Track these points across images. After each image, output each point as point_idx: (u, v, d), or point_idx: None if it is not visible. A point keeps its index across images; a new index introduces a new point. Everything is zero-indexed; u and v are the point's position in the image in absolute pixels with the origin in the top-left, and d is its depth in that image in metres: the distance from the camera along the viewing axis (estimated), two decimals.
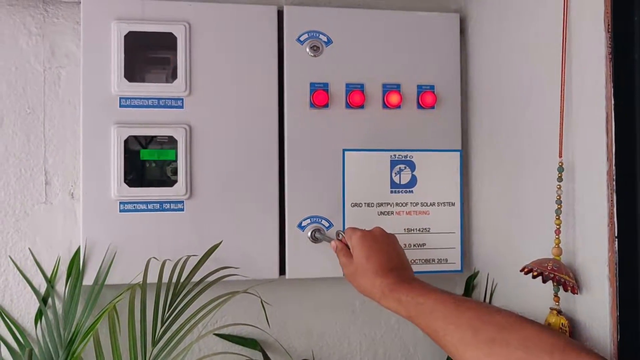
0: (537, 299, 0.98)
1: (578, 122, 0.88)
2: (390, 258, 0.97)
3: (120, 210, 1.12)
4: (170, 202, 1.13)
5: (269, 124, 1.17)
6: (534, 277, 0.87)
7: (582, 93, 0.87)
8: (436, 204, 1.23)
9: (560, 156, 0.90)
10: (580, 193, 0.87)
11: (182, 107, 1.14)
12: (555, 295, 0.89)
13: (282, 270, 1.17)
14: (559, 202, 0.89)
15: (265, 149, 1.17)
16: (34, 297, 1.14)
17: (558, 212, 0.89)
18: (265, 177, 1.17)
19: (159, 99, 1.13)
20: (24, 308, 1.15)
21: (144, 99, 1.13)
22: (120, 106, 1.12)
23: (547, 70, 0.96)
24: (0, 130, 1.14)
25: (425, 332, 0.85)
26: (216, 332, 1.20)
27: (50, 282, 1.14)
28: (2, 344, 1.12)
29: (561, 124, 0.90)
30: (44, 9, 1.17)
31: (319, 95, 1.18)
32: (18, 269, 1.14)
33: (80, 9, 1.12)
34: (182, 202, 1.13)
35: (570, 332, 0.86)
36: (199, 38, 1.15)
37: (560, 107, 0.90)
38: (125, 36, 1.12)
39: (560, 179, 0.89)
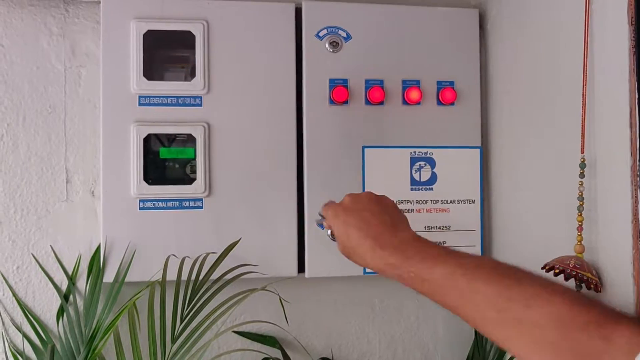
0: None
1: (601, 117, 0.86)
2: (370, 225, 0.81)
3: (140, 208, 1.12)
4: (189, 200, 1.14)
5: (287, 121, 1.17)
6: (556, 274, 0.85)
7: (605, 87, 0.85)
8: (456, 202, 1.21)
9: (583, 152, 0.88)
10: (603, 189, 0.86)
11: (200, 105, 1.14)
12: None
13: (300, 268, 1.17)
14: (581, 198, 0.88)
15: (283, 146, 1.17)
16: (56, 294, 1.15)
17: (580, 208, 0.88)
18: (283, 175, 1.16)
19: (177, 97, 1.14)
20: (46, 305, 1.16)
21: (162, 97, 1.13)
22: (140, 104, 1.13)
23: (568, 65, 0.94)
24: (22, 130, 1.16)
25: (442, 306, 0.74)
26: (235, 329, 1.20)
27: (72, 279, 1.15)
28: (25, 339, 1.13)
29: (583, 119, 0.88)
30: (64, 9, 1.18)
31: (339, 91, 1.17)
32: (40, 266, 1.15)
33: (100, 8, 1.13)
34: (201, 199, 1.14)
35: None
36: (217, 36, 1.15)
37: (583, 101, 0.88)
38: (144, 35, 1.13)
39: (582, 175, 0.88)
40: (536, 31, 1.06)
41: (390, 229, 0.80)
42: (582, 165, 0.88)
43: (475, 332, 1.23)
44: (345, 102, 1.18)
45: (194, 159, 1.13)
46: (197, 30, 1.14)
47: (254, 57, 1.16)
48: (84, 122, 1.18)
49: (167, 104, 1.14)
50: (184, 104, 1.14)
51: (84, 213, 1.18)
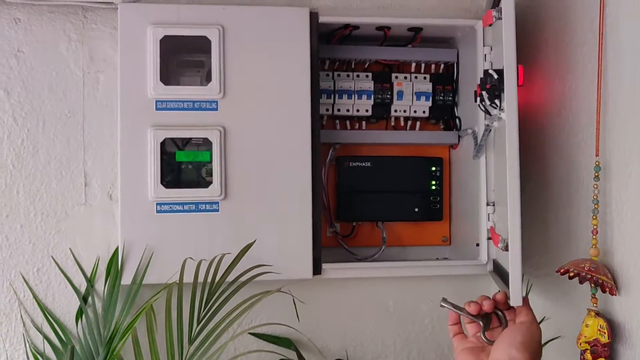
0: (573, 300, 0.96)
1: (616, 120, 0.86)
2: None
3: (157, 211, 1.13)
4: (205, 203, 1.14)
5: (301, 124, 1.17)
6: (571, 278, 0.85)
7: (620, 90, 0.85)
8: None
9: (597, 154, 0.88)
10: (618, 192, 0.85)
11: (216, 109, 1.15)
12: (593, 297, 0.87)
13: (315, 270, 1.17)
14: (595, 201, 0.88)
15: (298, 148, 1.17)
16: (75, 296, 1.17)
17: (595, 211, 0.88)
18: (298, 177, 1.17)
19: (194, 101, 1.15)
20: (65, 306, 1.18)
21: (179, 101, 1.14)
22: (157, 109, 1.14)
23: (583, 67, 0.94)
24: (42, 134, 1.18)
25: None
26: (251, 331, 1.21)
27: (90, 281, 1.17)
28: (45, 341, 1.15)
29: (598, 121, 0.88)
30: (83, 15, 1.20)
31: None
32: (59, 268, 1.17)
33: (117, 14, 1.14)
34: (217, 202, 1.14)
35: (609, 334, 0.84)
36: (232, 41, 1.16)
37: (597, 104, 0.88)
38: (161, 40, 1.14)
39: (597, 178, 0.88)
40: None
41: None
42: (597, 168, 0.88)
43: None
44: None
45: (210, 162, 1.14)
46: (212, 35, 1.15)
47: (268, 61, 1.17)
48: (101, 127, 1.20)
49: (183, 109, 1.14)
50: (200, 108, 1.15)
51: (102, 216, 1.19)
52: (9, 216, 1.17)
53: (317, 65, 1.18)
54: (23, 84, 1.18)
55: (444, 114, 1.30)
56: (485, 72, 0.96)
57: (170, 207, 1.14)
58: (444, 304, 0.84)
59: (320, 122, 1.22)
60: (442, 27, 1.23)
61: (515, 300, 0.81)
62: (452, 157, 1.33)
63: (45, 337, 1.15)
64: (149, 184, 1.12)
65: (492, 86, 0.95)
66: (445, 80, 1.29)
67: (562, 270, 0.87)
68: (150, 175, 1.12)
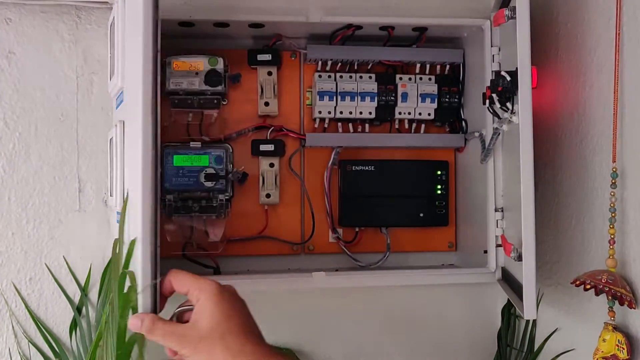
0: (587, 311, 0.92)
1: (634, 124, 0.82)
2: (252, 323, 0.78)
3: None
4: None
5: None
6: (586, 290, 0.81)
7: (638, 92, 0.81)
8: None
9: (614, 160, 0.84)
10: (636, 200, 0.82)
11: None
12: (610, 310, 0.83)
13: None
14: (612, 210, 0.84)
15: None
16: (69, 306, 1.13)
17: (612, 220, 0.84)
18: None
19: None
20: (59, 317, 1.14)
21: None
22: None
23: (598, 68, 0.90)
24: (34, 138, 1.14)
25: None
26: None
27: (84, 290, 1.13)
28: (38, 353, 1.11)
29: (615, 126, 0.84)
30: (76, 15, 1.16)
31: None
32: (53, 277, 1.13)
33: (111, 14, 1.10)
34: None
35: (628, 350, 0.80)
36: None
37: (614, 107, 0.84)
38: None
39: (614, 185, 0.84)
40: None
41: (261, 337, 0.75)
42: (614, 175, 0.84)
43: (498, 342, 1.20)
44: None
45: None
46: None
47: None
48: (96, 130, 1.16)
49: None
50: None
51: (97, 223, 1.16)
52: None
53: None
54: (14, 86, 1.14)
55: (449, 117, 1.26)
56: (497, 73, 0.92)
57: None
58: None
59: None
60: (448, 27, 1.19)
61: (529, 314, 0.78)
62: (457, 160, 1.29)
63: (39, 350, 1.11)
64: None
65: (504, 88, 0.91)
66: (451, 82, 1.25)
67: (577, 282, 0.83)
68: None
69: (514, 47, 0.92)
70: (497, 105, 0.96)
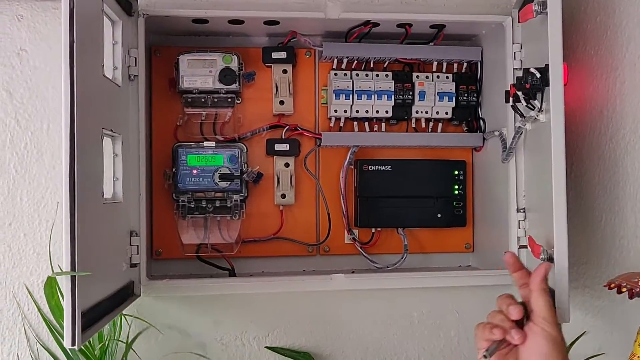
0: (617, 314, 0.90)
1: None
2: None
3: None
4: None
5: None
6: (620, 293, 0.79)
7: None
8: None
9: None
10: None
11: None
12: None
13: None
14: None
15: None
16: None
17: None
18: None
19: None
20: None
21: None
22: None
23: (630, 64, 0.88)
24: (47, 137, 1.12)
25: None
26: (267, 345, 1.16)
27: None
28: (51, 357, 1.09)
29: None
30: None
31: None
32: None
33: None
34: None
35: None
36: None
37: None
38: None
39: None
40: None
41: None
42: None
43: None
44: None
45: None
46: None
47: None
48: None
49: None
50: None
51: None
52: (12, 224, 1.11)
53: None
54: (26, 84, 1.11)
55: (467, 115, 1.24)
56: (526, 70, 0.89)
57: None
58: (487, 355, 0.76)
59: None
60: (467, 23, 1.17)
61: (563, 317, 0.75)
62: (475, 160, 1.27)
63: (51, 354, 1.09)
64: None
65: (532, 86, 0.89)
66: (468, 80, 1.23)
67: (612, 285, 0.81)
68: None
69: (540, 44, 0.90)
70: (523, 103, 0.94)
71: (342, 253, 1.21)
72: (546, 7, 0.85)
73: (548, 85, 0.86)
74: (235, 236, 1.15)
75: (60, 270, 1.09)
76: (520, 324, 0.75)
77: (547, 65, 0.85)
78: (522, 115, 1.00)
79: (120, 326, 1.06)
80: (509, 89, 1.04)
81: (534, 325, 0.74)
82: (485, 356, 0.75)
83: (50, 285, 0.93)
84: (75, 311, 0.74)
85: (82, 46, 0.79)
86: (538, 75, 0.86)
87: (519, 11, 1.00)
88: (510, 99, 1.00)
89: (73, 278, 0.73)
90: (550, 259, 0.82)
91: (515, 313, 0.74)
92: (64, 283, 0.74)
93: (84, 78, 0.80)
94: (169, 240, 1.15)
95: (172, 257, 1.15)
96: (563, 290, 0.78)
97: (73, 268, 0.73)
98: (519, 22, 0.99)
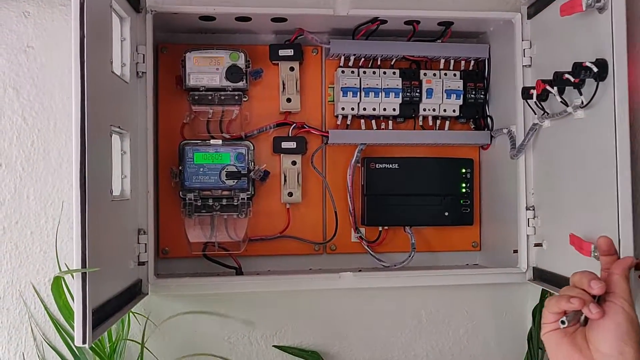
0: None
1: None
2: None
3: None
4: None
5: None
6: None
7: None
8: None
9: None
10: None
11: None
12: None
13: None
14: None
15: None
16: None
17: None
18: None
19: None
20: None
21: None
22: None
23: None
24: (54, 135, 1.11)
25: None
26: (275, 343, 1.15)
27: None
28: (58, 356, 1.08)
29: None
30: None
31: None
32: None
33: None
34: None
35: None
36: None
37: None
38: None
39: None
40: None
41: None
42: None
43: (529, 342, 1.17)
44: None
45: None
46: None
47: None
48: None
49: None
50: None
51: None
52: (18, 222, 1.10)
53: None
54: (33, 81, 1.11)
55: (474, 113, 1.23)
56: (578, 64, 0.86)
57: None
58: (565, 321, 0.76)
59: None
60: (475, 20, 1.17)
61: None
62: (482, 158, 1.27)
63: (58, 353, 1.08)
64: None
65: (580, 81, 0.88)
66: (476, 77, 1.22)
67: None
68: None
69: (564, 41, 0.89)
70: (558, 98, 0.92)
71: (349, 252, 1.21)
72: (599, 1, 0.85)
73: (603, 80, 0.85)
74: (242, 234, 1.14)
75: (67, 269, 1.08)
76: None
77: (602, 59, 0.85)
78: (544, 111, 0.99)
79: (128, 324, 1.05)
80: (527, 86, 1.03)
81: (614, 304, 0.74)
82: (563, 322, 0.75)
83: (58, 285, 0.92)
84: (86, 309, 0.73)
85: (92, 42, 0.78)
86: (595, 69, 0.84)
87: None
88: (534, 94, 0.98)
89: (84, 275, 0.73)
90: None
91: (598, 288, 0.74)
92: (75, 281, 0.73)
93: (94, 74, 0.79)
94: (175, 239, 1.14)
95: (179, 256, 1.15)
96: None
97: (84, 266, 0.72)
98: (560, 15, 0.95)
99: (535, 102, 1.00)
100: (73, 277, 0.73)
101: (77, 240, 0.73)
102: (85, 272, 0.72)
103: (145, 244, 1.03)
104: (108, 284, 0.85)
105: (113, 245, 0.90)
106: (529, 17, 1.11)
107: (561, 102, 0.93)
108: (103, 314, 0.82)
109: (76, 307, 0.73)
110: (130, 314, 1.05)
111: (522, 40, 1.11)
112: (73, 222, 0.73)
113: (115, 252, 0.91)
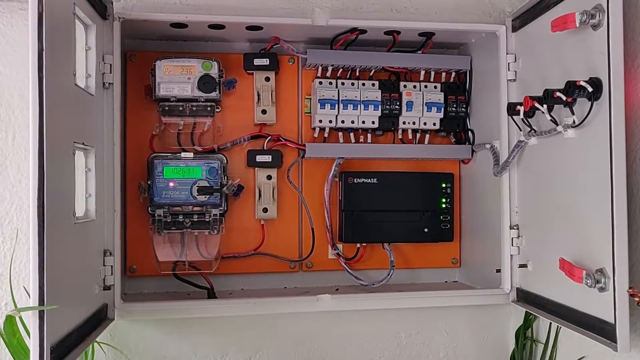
0: None
1: None
2: None
3: None
4: None
5: None
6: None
7: None
8: None
9: None
10: None
11: None
12: None
13: None
14: None
15: None
16: None
17: None
18: None
19: None
20: None
21: None
22: None
23: None
24: (12, 149, 1.05)
25: None
26: None
27: None
28: None
29: None
30: None
31: None
32: None
33: None
34: None
35: None
36: None
37: None
38: None
39: None
40: None
41: None
42: None
43: None
44: None
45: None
46: None
47: None
48: None
49: None
50: None
51: None
52: None
53: None
54: None
55: (455, 127, 1.20)
56: (571, 83, 0.82)
57: None
58: None
59: None
60: (457, 32, 1.13)
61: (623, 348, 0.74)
62: (462, 172, 1.24)
63: None
64: None
65: (573, 100, 0.84)
66: (457, 90, 1.19)
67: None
68: None
69: (553, 56, 0.86)
70: (548, 117, 0.89)
71: (326, 269, 1.18)
72: (594, 17, 0.82)
73: (597, 99, 0.82)
74: (214, 252, 1.09)
75: (25, 293, 1.01)
76: None
77: (596, 78, 0.82)
78: (531, 129, 0.96)
79: (92, 355, 0.98)
80: (513, 101, 1.00)
81: None
82: None
83: (11, 323, 0.82)
84: (44, 348, 0.67)
85: (52, 53, 0.72)
86: (590, 89, 0.81)
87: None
88: (521, 111, 0.94)
89: (41, 313, 0.66)
90: (598, 283, 0.79)
91: None
92: (31, 318, 0.67)
93: (54, 88, 0.73)
94: (143, 257, 1.09)
95: (147, 274, 1.09)
96: (624, 317, 0.77)
97: (41, 302, 0.66)
98: (551, 31, 0.92)
99: (522, 118, 0.96)
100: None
101: (35, 275, 0.66)
102: (43, 310, 0.66)
103: (112, 266, 0.97)
104: (69, 315, 0.79)
105: (76, 272, 0.83)
106: (514, 29, 1.08)
107: (551, 120, 0.89)
108: (64, 349, 0.76)
109: (32, 346, 0.66)
110: (96, 343, 0.99)
111: (507, 54, 1.08)
112: (30, 252, 0.67)
113: (78, 279, 0.85)
